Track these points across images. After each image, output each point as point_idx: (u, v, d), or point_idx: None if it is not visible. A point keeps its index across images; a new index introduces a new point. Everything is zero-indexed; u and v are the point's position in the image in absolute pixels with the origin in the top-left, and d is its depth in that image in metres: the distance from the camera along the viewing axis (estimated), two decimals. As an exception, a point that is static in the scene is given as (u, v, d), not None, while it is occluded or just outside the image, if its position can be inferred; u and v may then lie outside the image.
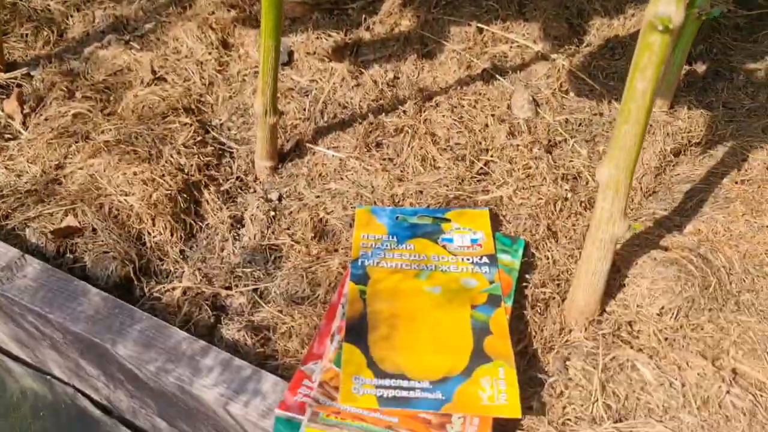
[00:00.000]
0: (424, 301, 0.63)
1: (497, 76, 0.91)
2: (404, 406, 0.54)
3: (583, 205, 0.76)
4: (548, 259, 0.71)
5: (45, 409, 0.86)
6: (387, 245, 0.69)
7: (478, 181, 0.80)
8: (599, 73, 0.91)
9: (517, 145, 0.82)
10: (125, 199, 0.76)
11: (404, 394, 0.55)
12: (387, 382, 0.56)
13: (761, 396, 0.60)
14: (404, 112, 0.87)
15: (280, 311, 0.68)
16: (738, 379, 0.61)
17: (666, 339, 0.63)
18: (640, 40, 0.54)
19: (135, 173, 0.77)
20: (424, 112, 0.87)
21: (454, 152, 0.82)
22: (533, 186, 0.78)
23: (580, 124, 0.86)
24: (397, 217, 0.73)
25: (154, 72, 0.94)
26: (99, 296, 0.64)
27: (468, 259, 0.68)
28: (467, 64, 0.93)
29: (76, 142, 0.84)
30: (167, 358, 0.60)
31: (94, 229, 0.74)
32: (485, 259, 0.68)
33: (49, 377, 0.84)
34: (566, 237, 0.73)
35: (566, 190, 0.78)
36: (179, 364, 0.59)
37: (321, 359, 0.60)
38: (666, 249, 0.70)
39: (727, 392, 0.59)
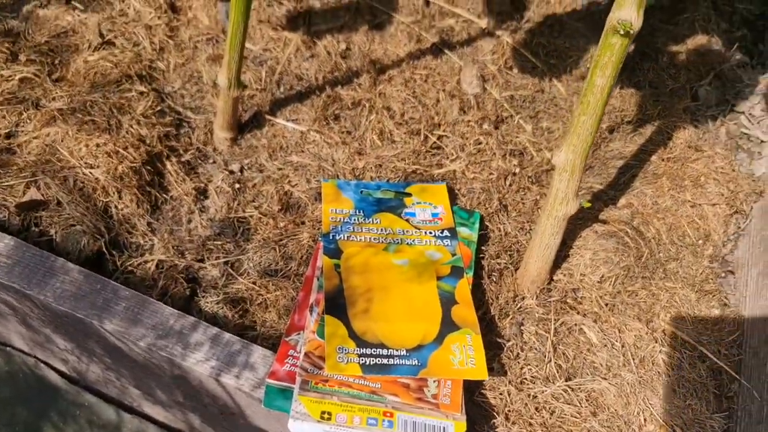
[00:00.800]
0: (394, 275, 0.68)
1: (446, 51, 0.95)
2: (385, 373, 0.60)
3: (530, 179, 0.83)
4: (500, 231, 0.77)
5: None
6: (355, 219, 0.73)
7: (432, 155, 0.84)
8: (540, 51, 0.97)
9: (468, 121, 0.87)
10: (90, 172, 0.76)
11: (384, 361, 0.61)
12: (368, 351, 0.61)
13: (687, 353, 0.69)
14: (359, 85, 0.90)
15: (254, 283, 0.71)
16: (667, 339, 0.70)
17: (606, 305, 0.71)
18: (602, 40, 0.59)
19: (98, 145, 0.77)
20: (379, 85, 0.90)
21: (409, 126, 0.86)
22: (484, 161, 0.84)
23: (524, 101, 0.91)
24: (362, 192, 0.77)
25: (102, 35, 0.92)
26: (81, 273, 0.65)
27: (431, 233, 0.73)
28: (417, 37, 0.96)
29: (27, 110, 0.82)
30: (157, 334, 0.62)
31: (59, 202, 0.74)
32: (446, 233, 0.74)
33: (8, 348, 0.84)
34: (516, 210, 0.80)
35: (514, 165, 0.84)
36: (170, 340, 0.62)
37: (303, 330, 0.64)
38: (605, 222, 0.78)
39: (660, 351, 0.68)
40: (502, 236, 0.77)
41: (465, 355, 0.62)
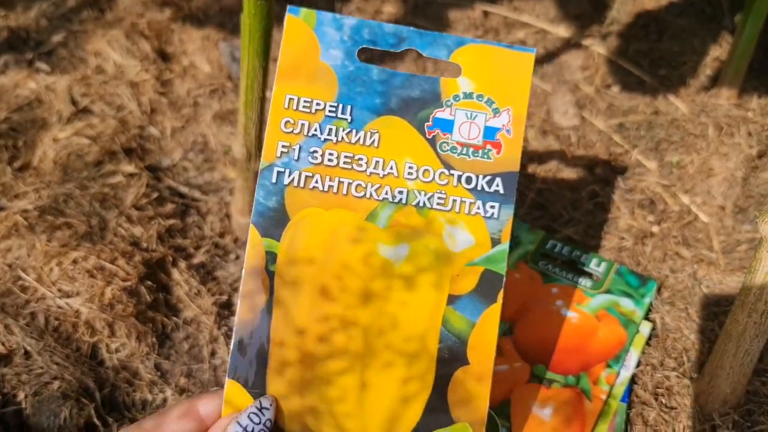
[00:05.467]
0: (372, 288, 0.37)
1: (523, 73, 0.73)
2: None
3: (675, 240, 0.59)
4: (657, 323, 0.54)
5: None
6: (331, 131, 0.37)
7: (534, 218, 0.62)
8: (643, 60, 0.74)
9: (574, 166, 0.65)
10: (67, 303, 0.54)
11: None
12: None
13: None
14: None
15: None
16: None
17: (843, 428, 0.48)
18: None
19: (75, 261, 0.55)
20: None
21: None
22: (607, 220, 0.61)
23: (638, 129, 0.69)
24: (359, 54, 0.38)
25: (74, 102, 0.71)
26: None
27: (469, 180, 0.38)
28: (481, 59, 0.74)
29: (-20, 215, 0.61)
30: None
31: (27, 353, 0.51)
32: (497, 184, 0.38)
33: None
34: (670, 290, 0.56)
35: (649, 221, 0.61)
36: None
37: None
38: (803, 295, 0.54)
39: None
40: (659, 330, 0.54)
41: None
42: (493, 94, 0.38)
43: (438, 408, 0.37)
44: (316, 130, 0.37)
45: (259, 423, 0.34)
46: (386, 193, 0.37)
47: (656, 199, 0.63)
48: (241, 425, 0.34)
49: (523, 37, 0.76)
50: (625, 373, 0.50)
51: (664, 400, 0.50)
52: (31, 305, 0.53)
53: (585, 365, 0.49)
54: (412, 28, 0.38)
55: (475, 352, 0.37)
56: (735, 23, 0.76)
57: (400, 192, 0.37)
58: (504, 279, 0.37)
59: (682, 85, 0.72)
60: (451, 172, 0.37)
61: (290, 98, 0.37)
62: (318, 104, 0.37)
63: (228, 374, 0.36)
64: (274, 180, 0.37)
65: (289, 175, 0.37)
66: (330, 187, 0.37)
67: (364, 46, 0.38)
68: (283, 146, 0.37)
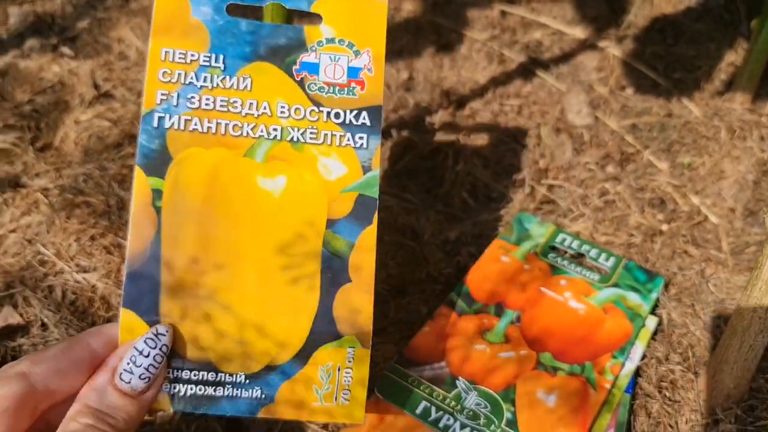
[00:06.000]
0: (254, 216, 0.39)
1: (538, 72, 0.74)
2: (209, 409, 0.38)
3: (684, 239, 0.60)
4: (663, 319, 0.55)
5: None
6: (206, 78, 0.40)
7: (544, 213, 0.62)
8: (658, 63, 0.75)
9: (585, 163, 0.65)
10: (84, 278, 0.55)
11: (210, 391, 0.38)
12: (185, 374, 0.38)
13: None
14: (432, 124, 0.68)
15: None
16: None
17: None
18: None
19: (93, 237, 0.57)
20: (460, 123, 0.68)
21: (509, 177, 0.64)
22: (617, 217, 0.62)
23: (650, 130, 0.69)
24: (228, 9, 0.40)
25: (96, 86, 0.72)
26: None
27: (337, 116, 0.41)
28: (498, 57, 0.75)
29: (3, 192, 0.62)
30: None
31: (43, 324, 0.53)
32: (364, 117, 0.41)
33: None
34: (677, 287, 0.57)
35: (659, 220, 0.61)
36: None
37: None
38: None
39: None
40: (665, 326, 0.54)
41: (337, 384, 0.39)
42: (352, 38, 0.41)
43: (325, 324, 0.39)
44: (192, 78, 0.40)
45: (155, 347, 0.36)
46: (262, 131, 0.40)
47: (667, 199, 0.63)
48: (137, 350, 0.35)
49: (539, 38, 0.77)
50: (630, 365, 0.50)
51: (667, 393, 0.51)
52: (49, 279, 0.55)
53: (591, 355, 0.50)
54: None
55: (356, 270, 0.39)
56: (751, 29, 0.76)
57: (275, 129, 0.40)
58: (377, 202, 0.40)
59: (697, 88, 0.72)
60: (321, 109, 0.40)
61: (166, 51, 0.40)
62: (192, 55, 0.40)
63: (123, 304, 0.37)
64: (155, 125, 0.39)
65: (170, 120, 0.39)
66: (209, 128, 0.39)
67: (231, 2, 0.40)
68: (162, 94, 0.39)
